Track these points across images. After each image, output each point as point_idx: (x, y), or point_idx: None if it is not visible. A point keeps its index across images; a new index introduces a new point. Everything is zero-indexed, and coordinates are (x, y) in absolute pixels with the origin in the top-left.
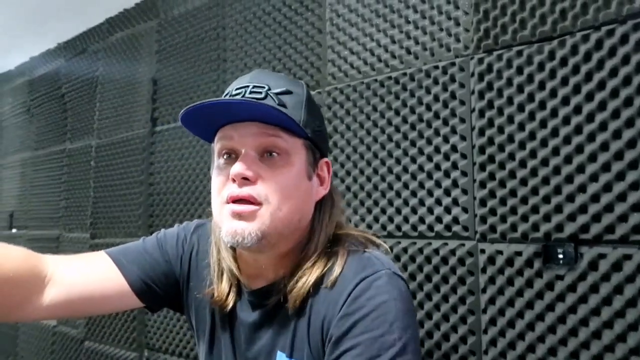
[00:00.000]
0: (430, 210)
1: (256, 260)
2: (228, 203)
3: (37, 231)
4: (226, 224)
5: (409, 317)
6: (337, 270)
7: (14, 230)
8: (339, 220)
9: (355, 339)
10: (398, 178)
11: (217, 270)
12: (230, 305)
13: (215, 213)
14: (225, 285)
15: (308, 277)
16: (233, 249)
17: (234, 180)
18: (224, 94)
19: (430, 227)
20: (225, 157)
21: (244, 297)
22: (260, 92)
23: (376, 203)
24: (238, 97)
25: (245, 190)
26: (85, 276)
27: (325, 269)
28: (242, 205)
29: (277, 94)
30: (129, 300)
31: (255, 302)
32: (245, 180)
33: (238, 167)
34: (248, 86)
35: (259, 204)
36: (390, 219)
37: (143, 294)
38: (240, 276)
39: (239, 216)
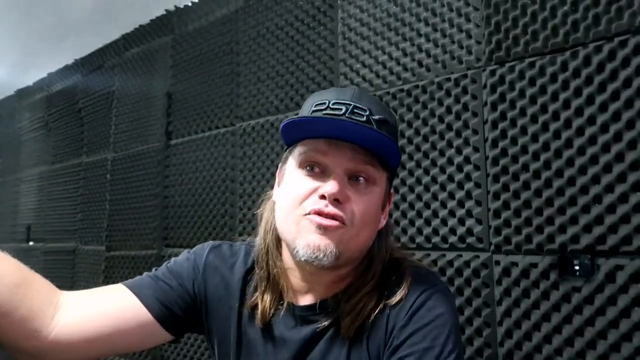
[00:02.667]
0: (444, 222)
1: (313, 276)
2: (309, 214)
3: (54, 244)
4: (306, 237)
5: (459, 331)
6: (402, 292)
7: (31, 243)
8: (393, 241)
9: (414, 346)
10: (411, 190)
11: (265, 282)
12: (271, 316)
13: (287, 223)
14: (268, 297)
15: (364, 305)
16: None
17: (323, 197)
18: (317, 102)
19: (444, 239)
20: (308, 168)
21: (291, 314)
22: (362, 115)
23: (389, 215)
24: (339, 112)
25: (335, 210)
26: (99, 301)
27: (386, 291)
28: (329, 220)
29: (377, 120)
30: (150, 329)
31: (306, 318)
32: (336, 200)
33: (333, 188)
34: (350, 104)
35: (344, 224)
36: (404, 231)
37: (163, 318)
38: (287, 290)
39: (324, 229)
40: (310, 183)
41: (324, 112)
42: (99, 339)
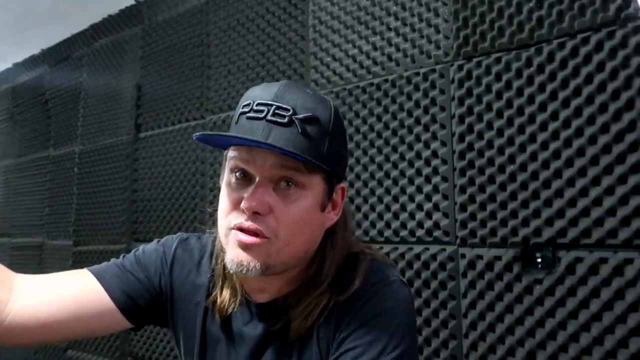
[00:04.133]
0: (411, 216)
1: (260, 281)
2: (234, 229)
3: (20, 239)
4: (231, 251)
5: (411, 326)
6: (354, 287)
7: None
8: (350, 237)
9: (359, 340)
10: (380, 184)
11: (222, 277)
12: (229, 312)
13: (220, 233)
14: (226, 293)
15: (314, 306)
16: None
17: (244, 211)
18: (244, 103)
19: (412, 232)
20: (237, 174)
21: (249, 311)
22: (284, 117)
23: (358, 209)
24: (260, 115)
25: (254, 225)
26: (58, 286)
27: (337, 289)
28: (249, 236)
29: (301, 120)
30: (111, 318)
31: (262, 316)
32: (256, 213)
33: (250, 202)
34: (272, 105)
35: (266, 237)
36: (373, 225)
37: (126, 309)
38: (244, 288)
39: (244, 246)
40: (236, 194)
41: (248, 114)
42: (56, 323)
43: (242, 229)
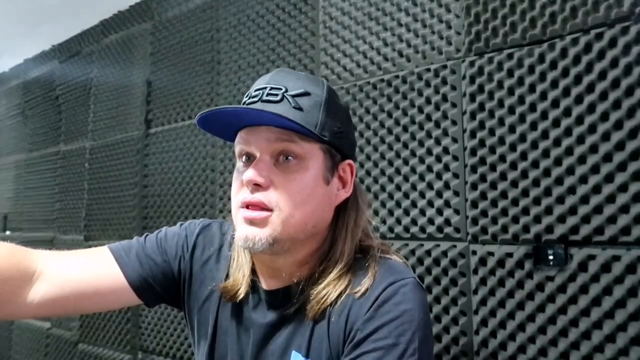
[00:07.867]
0: (422, 212)
1: (273, 262)
2: (242, 208)
3: (31, 233)
4: (239, 229)
5: (429, 328)
6: (367, 282)
7: (7, 233)
8: (365, 226)
9: (378, 342)
10: (390, 180)
11: (236, 264)
12: (241, 297)
13: (233, 215)
14: (236, 279)
15: (332, 290)
16: None
17: (247, 187)
18: (246, 94)
19: (423, 229)
20: (244, 159)
21: (259, 298)
22: (277, 95)
23: (368, 205)
24: (256, 99)
25: (257, 197)
26: (80, 272)
27: (352, 279)
28: (254, 211)
29: (293, 95)
30: (126, 297)
31: (271, 303)
32: (257, 186)
33: (250, 174)
34: (266, 88)
35: (270, 210)
36: (383, 221)
37: (141, 291)
38: (255, 275)
39: (250, 222)
40: (242, 175)
41: (247, 102)
42: (73, 303)
43: (246, 204)
